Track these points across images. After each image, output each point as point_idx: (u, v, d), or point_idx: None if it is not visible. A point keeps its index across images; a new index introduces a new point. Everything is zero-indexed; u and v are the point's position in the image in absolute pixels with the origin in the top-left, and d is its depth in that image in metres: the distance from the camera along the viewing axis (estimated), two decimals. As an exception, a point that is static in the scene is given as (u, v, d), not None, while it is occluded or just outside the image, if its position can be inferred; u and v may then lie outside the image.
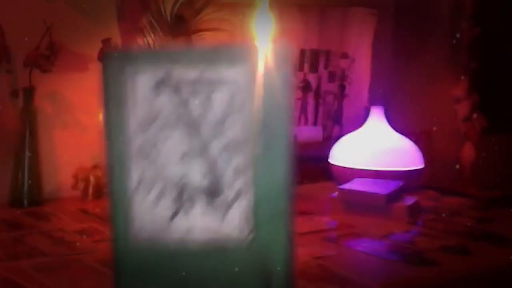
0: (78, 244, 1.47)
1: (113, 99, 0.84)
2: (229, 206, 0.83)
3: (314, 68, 2.35)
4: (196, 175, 0.83)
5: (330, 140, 2.32)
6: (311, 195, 2.02)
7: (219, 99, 0.81)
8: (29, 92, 1.81)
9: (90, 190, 1.88)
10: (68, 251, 1.41)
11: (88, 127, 1.96)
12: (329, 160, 2.14)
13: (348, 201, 1.81)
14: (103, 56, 0.86)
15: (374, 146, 2.06)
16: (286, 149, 0.81)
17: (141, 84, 0.83)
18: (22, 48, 1.80)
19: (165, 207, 0.85)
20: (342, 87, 2.42)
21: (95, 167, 1.90)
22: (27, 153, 1.80)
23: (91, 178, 1.88)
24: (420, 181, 2.07)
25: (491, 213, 1.85)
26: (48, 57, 1.80)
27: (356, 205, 1.79)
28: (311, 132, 2.35)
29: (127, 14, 1.97)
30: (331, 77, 2.39)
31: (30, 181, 1.80)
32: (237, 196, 0.82)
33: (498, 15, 2.29)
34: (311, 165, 2.23)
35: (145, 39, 1.93)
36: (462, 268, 1.42)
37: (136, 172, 0.85)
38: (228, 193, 0.82)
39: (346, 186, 1.86)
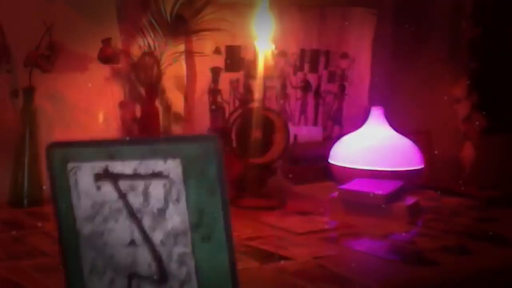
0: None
1: (59, 191, 0.89)
2: None
3: (314, 68, 2.35)
4: (143, 264, 0.88)
5: (330, 140, 2.32)
6: (311, 195, 2.02)
7: (155, 192, 0.86)
8: (29, 92, 1.80)
9: (90, 190, 1.88)
10: (68, 251, 1.41)
11: (88, 127, 1.96)
12: (329, 160, 2.14)
13: (348, 201, 1.81)
14: (46, 150, 0.91)
15: (374, 146, 2.06)
16: (226, 238, 0.84)
17: (82, 178, 0.88)
18: (22, 48, 1.80)
19: None
20: (342, 87, 2.42)
21: (95, 167, 1.90)
22: (27, 153, 1.80)
23: (91, 178, 1.88)
24: (420, 181, 2.07)
25: (491, 213, 1.85)
26: (48, 57, 1.80)
27: (356, 205, 1.79)
28: (311, 132, 2.35)
29: (127, 14, 1.97)
30: (331, 77, 2.39)
31: (30, 181, 1.80)
32: (181, 285, 0.86)
33: (498, 15, 2.29)
34: (311, 165, 2.24)
35: (145, 39, 1.93)
36: (462, 268, 1.42)
37: (87, 260, 0.90)
38: (174, 282, 0.87)
39: (346, 186, 1.86)
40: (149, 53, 1.92)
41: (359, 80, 2.45)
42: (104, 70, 1.94)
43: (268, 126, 1.90)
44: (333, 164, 2.11)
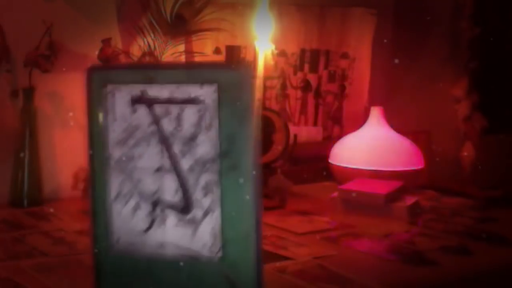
0: (78, 244, 1.47)
1: (95, 113, 0.89)
2: (198, 223, 0.87)
3: (314, 68, 2.35)
4: (168, 191, 0.88)
5: (330, 140, 2.32)
6: (311, 195, 2.02)
7: (189, 118, 0.86)
8: (29, 92, 1.81)
9: (90, 190, 1.88)
10: (68, 251, 1.41)
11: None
12: (329, 160, 2.14)
13: (348, 201, 1.81)
14: (86, 72, 0.92)
15: (374, 146, 2.06)
16: (253, 170, 0.84)
17: (119, 101, 0.88)
18: (22, 48, 1.80)
19: (141, 219, 0.89)
20: (342, 87, 2.42)
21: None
22: (27, 153, 1.80)
23: (91, 178, 1.88)
24: (420, 181, 2.07)
25: (491, 213, 1.85)
26: (48, 57, 1.80)
27: (356, 205, 1.79)
28: (311, 132, 2.35)
29: (127, 14, 1.97)
30: (331, 77, 2.39)
31: (30, 181, 1.80)
32: (205, 214, 0.86)
33: (498, 15, 2.29)
34: (311, 165, 2.24)
35: (145, 39, 1.93)
36: (462, 268, 1.42)
37: (114, 184, 0.89)
38: (197, 211, 0.86)
39: (346, 186, 1.86)
40: (149, 53, 1.92)
41: (359, 80, 2.45)
42: (104, 70, 1.94)
43: (268, 126, 1.90)
44: (333, 164, 2.11)
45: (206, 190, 0.84)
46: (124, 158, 0.87)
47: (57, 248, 1.44)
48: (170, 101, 0.85)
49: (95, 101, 0.89)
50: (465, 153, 2.28)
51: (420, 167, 2.06)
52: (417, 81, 2.42)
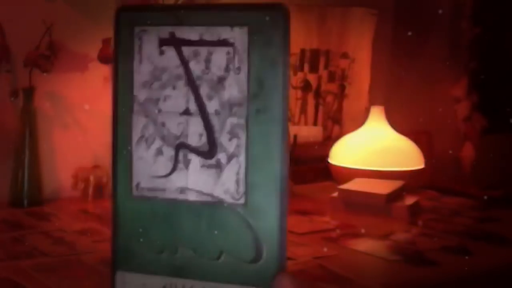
0: (78, 244, 1.47)
1: (122, 55, 0.89)
2: (222, 168, 0.86)
3: (314, 68, 2.35)
4: (193, 135, 0.87)
5: (330, 140, 2.32)
6: (311, 195, 2.02)
7: (217, 60, 0.85)
8: (29, 92, 1.80)
9: (90, 190, 1.88)
10: (68, 251, 1.41)
11: (88, 127, 1.96)
12: (329, 160, 2.14)
13: (348, 201, 1.81)
14: (115, 14, 0.91)
15: (374, 146, 2.06)
16: (281, 114, 0.83)
17: (147, 43, 0.87)
18: (22, 48, 1.80)
19: (162, 164, 0.89)
20: (342, 87, 2.42)
21: (95, 167, 1.90)
22: (27, 153, 1.80)
23: (91, 178, 1.88)
24: (420, 181, 2.07)
25: (491, 213, 1.85)
26: (48, 57, 1.80)
27: (356, 205, 1.79)
28: (311, 132, 2.35)
29: (127, 14, 1.97)
30: (331, 77, 2.39)
31: (30, 181, 1.80)
32: (230, 159, 0.85)
33: (498, 15, 2.29)
34: (311, 165, 2.24)
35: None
36: (462, 268, 1.42)
37: (137, 128, 0.89)
38: (221, 155, 0.86)
39: (346, 186, 1.86)
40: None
41: (359, 80, 2.45)
42: (104, 70, 1.94)
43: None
44: (333, 164, 2.11)
45: (232, 135, 0.84)
46: (149, 101, 0.87)
47: (57, 248, 1.44)
48: (199, 43, 0.85)
49: (122, 43, 0.89)
50: (465, 153, 2.28)
51: (420, 167, 2.06)
52: (417, 81, 2.42)
